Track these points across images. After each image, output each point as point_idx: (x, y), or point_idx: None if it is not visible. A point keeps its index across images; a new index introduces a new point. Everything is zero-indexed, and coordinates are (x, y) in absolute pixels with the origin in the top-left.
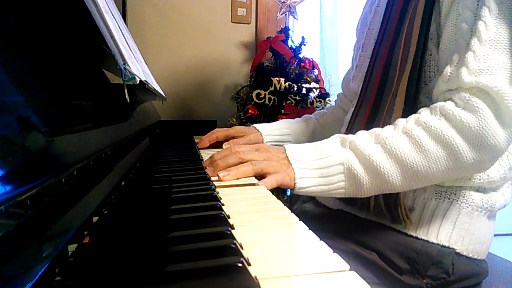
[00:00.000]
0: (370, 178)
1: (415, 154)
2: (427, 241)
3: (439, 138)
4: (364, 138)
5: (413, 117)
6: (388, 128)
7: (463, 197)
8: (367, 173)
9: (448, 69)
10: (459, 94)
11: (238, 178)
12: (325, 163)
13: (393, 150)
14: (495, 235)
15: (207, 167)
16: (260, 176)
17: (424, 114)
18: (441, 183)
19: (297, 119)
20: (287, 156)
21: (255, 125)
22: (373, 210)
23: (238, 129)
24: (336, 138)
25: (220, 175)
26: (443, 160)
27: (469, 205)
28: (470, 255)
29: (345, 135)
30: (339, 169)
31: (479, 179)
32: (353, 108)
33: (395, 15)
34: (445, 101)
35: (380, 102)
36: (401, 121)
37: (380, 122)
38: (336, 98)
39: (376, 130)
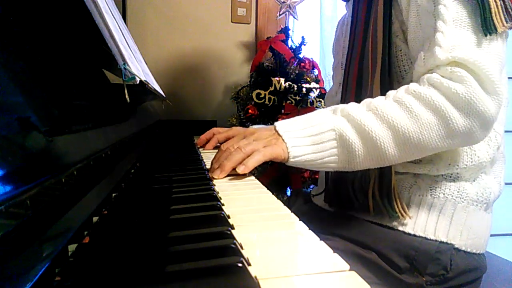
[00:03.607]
0: (362, 145)
1: (406, 120)
2: (426, 238)
3: (430, 105)
4: (355, 106)
5: (402, 87)
6: (379, 98)
7: (458, 191)
8: (359, 139)
9: (422, 54)
10: (440, 69)
11: (233, 168)
12: (317, 130)
13: (384, 116)
14: (495, 235)
15: (211, 173)
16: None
17: (412, 84)
18: (436, 172)
19: None
20: (276, 131)
21: (253, 126)
22: (373, 209)
23: (237, 129)
24: (326, 108)
25: (213, 176)
26: (434, 127)
27: (464, 199)
28: (469, 250)
29: (336, 105)
30: (331, 135)
31: (471, 162)
32: None
33: (360, 27)
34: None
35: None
36: (391, 92)
37: None
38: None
39: (367, 99)
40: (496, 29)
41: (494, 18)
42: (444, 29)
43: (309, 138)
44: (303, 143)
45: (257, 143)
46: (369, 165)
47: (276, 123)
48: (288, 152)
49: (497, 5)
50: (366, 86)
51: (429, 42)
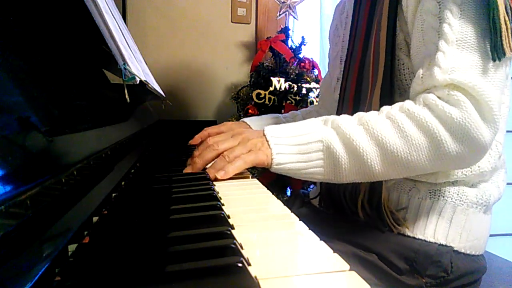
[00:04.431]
0: (349, 159)
1: (396, 139)
2: (425, 240)
3: (422, 126)
4: (347, 119)
5: (397, 104)
6: (373, 112)
7: (457, 194)
8: (346, 153)
9: (420, 72)
10: (437, 90)
11: (216, 177)
12: (305, 139)
13: (374, 132)
14: (495, 235)
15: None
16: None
17: (407, 102)
18: (434, 181)
19: (285, 114)
20: (264, 135)
21: (245, 119)
22: (363, 217)
23: (230, 126)
24: (318, 118)
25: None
26: (425, 149)
27: (464, 202)
28: (468, 252)
29: (328, 116)
30: (318, 146)
31: (471, 171)
32: None
33: (362, 28)
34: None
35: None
36: (385, 108)
37: None
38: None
39: (360, 113)
40: (504, 54)
41: (504, 42)
42: (445, 49)
43: (296, 146)
44: (288, 151)
45: (242, 148)
46: (355, 179)
47: (265, 127)
48: (272, 159)
49: (507, 29)
50: (365, 98)
51: (429, 60)
